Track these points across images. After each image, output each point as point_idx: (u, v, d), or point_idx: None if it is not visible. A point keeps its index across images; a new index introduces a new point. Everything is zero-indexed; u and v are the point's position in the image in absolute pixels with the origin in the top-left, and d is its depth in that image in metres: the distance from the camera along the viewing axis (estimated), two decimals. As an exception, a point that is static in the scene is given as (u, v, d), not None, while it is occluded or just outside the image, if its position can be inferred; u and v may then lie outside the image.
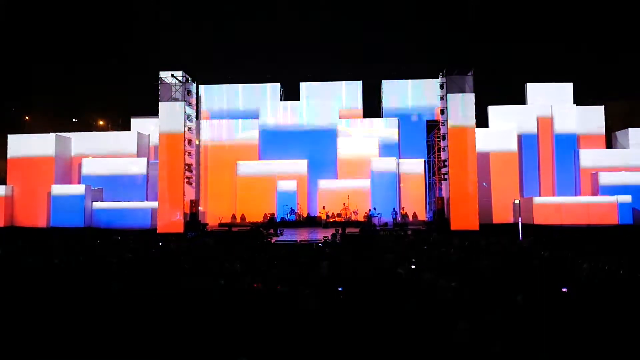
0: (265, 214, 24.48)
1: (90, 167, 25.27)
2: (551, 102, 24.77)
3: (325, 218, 23.97)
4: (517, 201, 23.73)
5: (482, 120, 24.27)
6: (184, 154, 22.96)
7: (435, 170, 24.73)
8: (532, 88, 25.06)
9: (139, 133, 26.16)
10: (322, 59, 27.08)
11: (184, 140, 22.98)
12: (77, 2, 29.63)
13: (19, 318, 6.08)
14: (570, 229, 20.96)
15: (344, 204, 24.01)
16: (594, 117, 24.73)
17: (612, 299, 6.44)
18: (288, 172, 25.63)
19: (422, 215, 24.69)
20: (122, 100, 29.96)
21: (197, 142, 25.02)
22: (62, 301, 6.74)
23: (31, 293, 7.35)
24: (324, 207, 24.57)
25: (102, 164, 25.26)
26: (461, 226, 21.17)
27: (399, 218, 23.66)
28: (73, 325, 5.65)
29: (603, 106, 24.83)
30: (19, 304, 6.72)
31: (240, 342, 5.06)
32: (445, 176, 22.72)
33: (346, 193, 24.14)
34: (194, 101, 24.32)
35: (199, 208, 24.32)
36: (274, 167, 25.65)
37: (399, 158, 25.53)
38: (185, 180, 23.00)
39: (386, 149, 25.73)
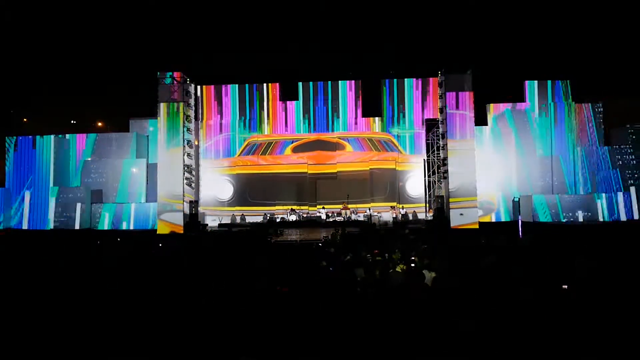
0: (265, 214, 24.52)
1: (89, 169, 25.27)
2: (550, 100, 24.81)
3: (325, 218, 23.99)
4: (516, 199, 23.83)
5: (481, 118, 24.32)
6: (183, 155, 23.01)
7: (434, 169, 24.74)
8: (530, 85, 25.09)
9: (137, 134, 26.17)
10: (320, 59, 27.06)
11: (183, 141, 23.03)
12: (76, 2, 29.61)
13: (19, 318, 6.10)
14: (569, 226, 21.02)
15: (344, 204, 24.03)
16: (592, 114, 24.77)
17: (612, 296, 6.44)
18: (287, 171, 25.68)
19: (422, 214, 24.70)
20: (120, 101, 29.94)
21: (196, 143, 25.04)
22: (63, 301, 6.75)
23: (32, 294, 7.36)
24: (323, 207, 24.60)
25: (101, 165, 25.26)
26: (461, 225, 21.29)
27: (399, 217, 23.68)
28: (73, 325, 5.66)
29: (602, 103, 24.87)
30: (21, 305, 6.73)
31: (241, 342, 5.07)
32: (445, 175, 22.75)
33: (346, 193, 24.15)
34: (192, 102, 24.37)
35: (199, 209, 24.38)
36: (273, 167, 25.67)
37: (398, 157, 25.59)
38: (185, 181, 23.05)
39: (386, 148, 25.77)
